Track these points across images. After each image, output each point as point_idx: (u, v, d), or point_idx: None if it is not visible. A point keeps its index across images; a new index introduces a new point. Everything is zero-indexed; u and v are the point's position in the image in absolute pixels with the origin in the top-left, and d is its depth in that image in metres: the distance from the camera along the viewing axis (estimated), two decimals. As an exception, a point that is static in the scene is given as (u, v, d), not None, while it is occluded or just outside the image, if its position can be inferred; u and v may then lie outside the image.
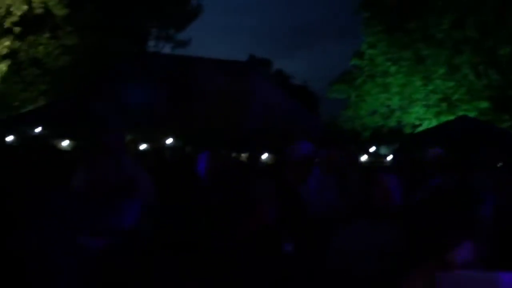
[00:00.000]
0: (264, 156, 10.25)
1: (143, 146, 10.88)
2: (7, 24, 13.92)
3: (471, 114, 15.24)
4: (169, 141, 11.11)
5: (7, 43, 13.94)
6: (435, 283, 1.42)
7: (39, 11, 14.05)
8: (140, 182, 4.57)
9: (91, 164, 2.79)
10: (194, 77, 12.49)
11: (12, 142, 10.50)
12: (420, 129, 16.47)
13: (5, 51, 13.94)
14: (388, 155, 11.84)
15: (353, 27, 20.30)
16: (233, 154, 10.11)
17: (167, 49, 23.15)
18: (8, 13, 13.82)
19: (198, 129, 11.06)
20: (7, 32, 14.14)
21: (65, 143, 10.74)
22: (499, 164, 7.95)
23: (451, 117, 15.28)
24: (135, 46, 14.92)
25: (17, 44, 14.48)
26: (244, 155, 10.16)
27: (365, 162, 10.79)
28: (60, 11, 14.34)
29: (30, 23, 14.70)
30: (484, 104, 15.69)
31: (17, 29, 14.16)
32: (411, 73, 16.57)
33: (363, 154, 11.03)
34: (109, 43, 16.92)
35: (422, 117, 16.80)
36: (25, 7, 13.80)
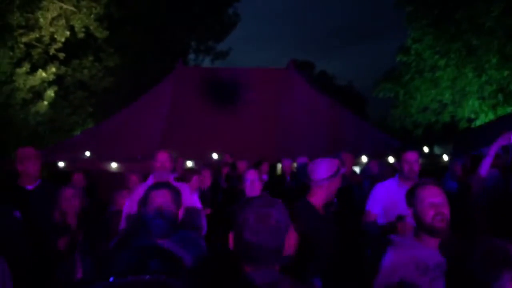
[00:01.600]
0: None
1: (190, 163, 10.82)
2: (51, 51, 14.32)
3: (530, 104, 14.35)
4: (215, 156, 11.00)
5: (53, 69, 14.35)
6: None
7: (81, 35, 14.37)
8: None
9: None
10: (234, 87, 12.38)
11: (63, 167, 10.72)
12: (477, 123, 15.63)
13: (51, 77, 14.35)
14: (443, 154, 11.22)
15: (394, 23, 19.53)
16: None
17: (207, 62, 23.36)
18: (52, 40, 14.22)
19: (244, 142, 10.95)
20: (53, 58, 14.56)
21: (114, 165, 10.84)
22: None
23: (509, 109, 14.42)
24: (176, 62, 14.92)
25: (63, 69, 14.90)
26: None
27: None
28: (101, 34, 14.63)
29: (74, 48, 15.09)
30: (542, 93, 14.67)
31: (61, 55, 14.56)
32: (462, 65, 15.73)
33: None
34: (150, 61, 17.14)
35: (478, 111, 15.93)
36: (67, 33, 14.15)
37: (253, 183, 4.48)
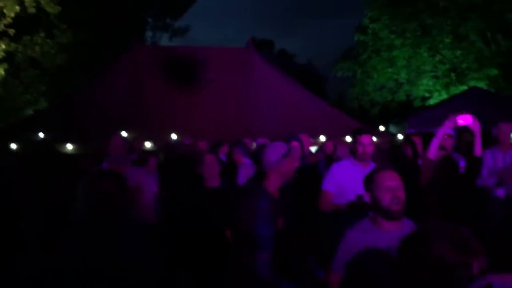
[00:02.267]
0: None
1: (148, 144, 10.67)
2: (1, 27, 13.65)
3: (481, 83, 14.88)
4: (174, 136, 10.89)
5: (2, 46, 13.71)
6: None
7: (31, 10, 13.71)
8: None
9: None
10: (194, 67, 12.21)
11: (16, 149, 10.36)
12: (430, 101, 16.12)
13: (1, 54, 13.71)
14: (398, 133, 11.53)
15: (354, 1, 19.63)
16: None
17: (165, 39, 22.86)
18: (1, 15, 13.53)
19: (204, 122, 10.87)
20: (2, 35, 13.88)
21: (69, 147, 10.56)
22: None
23: (462, 88, 14.93)
24: (132, 39, 14.52)
25: (13, 46, 14.24)
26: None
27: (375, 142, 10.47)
28: (52, 9, 14.02)
29: (24, 24, 14.42)
30: (493, 72, 15.24)
31: (11, 31, 13.89)
32: (417, 44, 16.12)
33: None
34: (105, 38, 16.61)
35: (431, 89, 16.42)
36: (17, 8, 13.49)
37: (211, 167, 4.45)
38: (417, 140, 6.73)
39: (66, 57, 15.36)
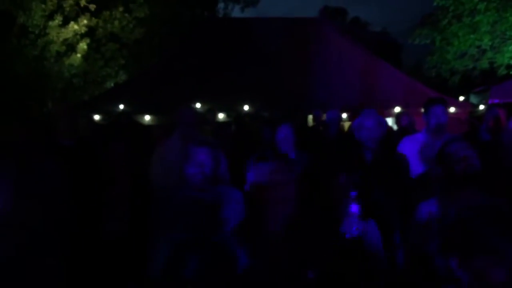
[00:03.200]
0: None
1: (221, 115, 10.89)
2: (82, 2, 14.34)
3: None
4: (246, 107, 11.03)
5: (84, 21, 14.42)
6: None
7: (110, -14, 14.30)
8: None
9: None
10: (265, 39, 12.20)
11: (99, 120, 10.97)
12: (516, 70, 15.07)
13: (83, 29, 14.44)
14: (479, 104, 10.92)
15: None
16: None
17: (237, 10, 22.87)
18: (83, -9, 14.23)
19: (274, 93, 10.91)
20: (84, 10, 14.59)
21: (146, 118, 11.03)
22: None
23: (552, 54, 13.81)
24: (206, 11, 14.73)
25: (94, 21, 14.93)
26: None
27: (453, 113, 10.03)
28: (129, -16, 14.51)
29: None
30: None
31: (92, 6, 14.57)
32: (503, 8, 14.96)
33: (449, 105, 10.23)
34: (179, 11, 16.95)
35: (518, 56, 15.31)
36: (97, -16, 14.11)
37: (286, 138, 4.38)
38: (500, 112, 6.36)
39: (143, 31, 15.90)
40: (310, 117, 9.96)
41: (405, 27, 19.21)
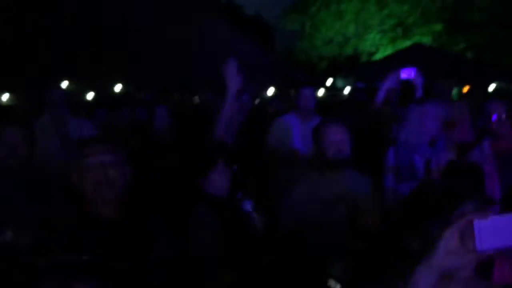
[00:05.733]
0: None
1: (90, 95, 10.19)
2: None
3: (426, 39, 15.13)
4: (118, 88, 10.43)
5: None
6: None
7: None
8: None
9: None
10: (135, 14, 11.62)
11: None
12: (376, 56, 16.28)
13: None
14: (345, 87, 11.57)
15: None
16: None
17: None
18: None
19: (149, 73, 10.44)
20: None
21: (5, 97, 9.90)
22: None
23: (407, 43, 15.12)
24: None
25: None
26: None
27: (322, 97, 10.51)
28: None
29: None
30: (438, 27, 15.51)
31: None
32: (366, -2, 16.10)
33: (319, 88, 10.70)
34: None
35: (378, 44, 16.57)
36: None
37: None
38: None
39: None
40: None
41: (278, 12, 19.69)
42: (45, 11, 12.76)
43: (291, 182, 2.89)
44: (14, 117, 6.89)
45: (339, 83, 12.58)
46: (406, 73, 4.22)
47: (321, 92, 10.73)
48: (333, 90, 11.25)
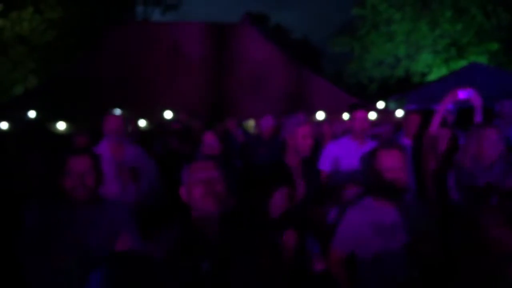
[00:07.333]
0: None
1: (142, 123, 10.40)
2: (-13, 2, 13.25)
3: (481, 58, 14.60)
4: (168, 115, 10.60)
5: (-10, 22, 13.31)
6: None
7: (19, -15, 13.30)
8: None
9: None
10: (184, 43, 11.86)
11: (7, 129, 10.07)
12: (430, 77, 15.83)
13: (-12, 31, 13.33)
14: (397, 109, 11.25)
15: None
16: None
17: (157, 14, 22.31)
18: (-12, -10, 13.13)
19: (199, 99, 10.59)
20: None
21: (61, 125, 10.27)
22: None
23: (461, 62, 14.63)
24: (124, 14, 14.12)
25: (1, 22, 13.82)
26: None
27: (374, 120, 10.24)
28: (40, -17, 13.59)
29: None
30: (494, 46, 14.94)
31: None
32: (417, 18, 15.74)
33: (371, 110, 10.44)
34: (96, 13, 16.16)
35: (431, 64, 16.12)
36: (4, -17, 13.08)
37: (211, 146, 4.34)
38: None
39: (55, 33, 14.94)
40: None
41: (325, 36, 19.65)
42: (91, 49, 13.16)
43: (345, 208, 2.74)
44: (75, 146, 7.08)
45: (391, 105, 12.28)
46: (464, 94, 4.03)
47: (373, 115, 10.46)
48: (385, 113, 10.95)
